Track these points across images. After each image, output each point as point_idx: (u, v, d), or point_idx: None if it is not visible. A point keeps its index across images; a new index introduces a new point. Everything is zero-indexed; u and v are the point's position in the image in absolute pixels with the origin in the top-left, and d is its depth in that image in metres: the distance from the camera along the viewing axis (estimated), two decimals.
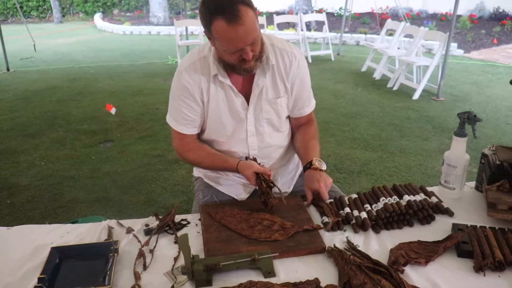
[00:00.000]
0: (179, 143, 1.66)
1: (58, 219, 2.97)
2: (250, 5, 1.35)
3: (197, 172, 1.87)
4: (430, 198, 1.49)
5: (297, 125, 1.75)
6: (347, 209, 1.45)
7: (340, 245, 1.29)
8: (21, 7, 16.17)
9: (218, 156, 1.62)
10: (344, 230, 1.39)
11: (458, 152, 1.54)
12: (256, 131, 1.64)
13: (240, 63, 1.43)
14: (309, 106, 1.72)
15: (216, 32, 1.35)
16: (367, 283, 1.10)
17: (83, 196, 3.32)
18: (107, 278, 1.15)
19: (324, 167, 1.56)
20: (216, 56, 1.51)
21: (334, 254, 1.24)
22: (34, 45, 9.95)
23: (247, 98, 1.58)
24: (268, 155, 1.70)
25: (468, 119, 1.53)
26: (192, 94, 1.56)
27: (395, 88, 6.19)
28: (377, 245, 1.32)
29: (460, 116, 1.54)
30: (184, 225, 1.45)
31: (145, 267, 1.24)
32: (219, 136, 1.65)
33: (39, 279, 1.14)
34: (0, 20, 8.30)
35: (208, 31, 1.39)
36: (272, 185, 1.46)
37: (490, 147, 1.65)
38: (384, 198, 1.46)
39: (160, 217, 1.45)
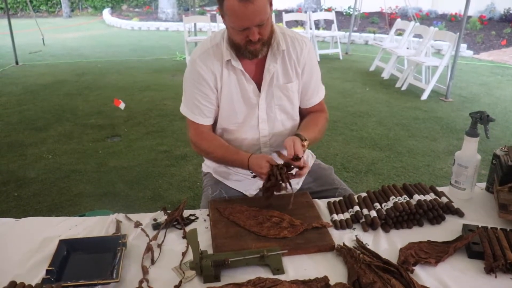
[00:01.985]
0: (194, 132, 1.66)
1: (65, 212, 2.98)
2: None
3: (206, 167, 1.86)
4: (440, 198, 1.47)
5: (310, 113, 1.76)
6: (357, 207, 1.44)
7: (350, 244, 1.28)
8: (31, 1, 16.26)
9: (231, 148, 1.62)
10: (354, 229, 1.38)
11: (470, 152, 1.52)
12: (267, 118, 1.65)
13: (247, 44, 1.47)
14: (317, 96, 1.73)
15: (227, 7, 1.39)
16: (376, 282, 1.09)
17: (89, 190, 3.32)
18: (115, 272, 1.14)
19: (305, 141, 1.54)
20: (228, 41, 1.54)
21: (343, 252, 1.23)
22: (42, 39, 10.01)
23: (259, 85, 1.61)
24: (279, 143, 1.69)
25: (480, 119, 1.51)
26: (206, 81, 1.58)
27: (403, 88, 6.15)
28: (387, 244, 1.31)
29: (472, 116, 1.52)
30: (193, 220, 1.44)
31: (153, 262, 1.24)
32: (230, 123, 1.67)
33: (47, 271, 1.14)
34: (10, 14, 8.30)
35: (221, 6, 1.43)
36: (286, 179, 1.44)
37: (502, 148, 1.63)
38: (394, 197, 1.44)
39: (168, 212, 1.45)
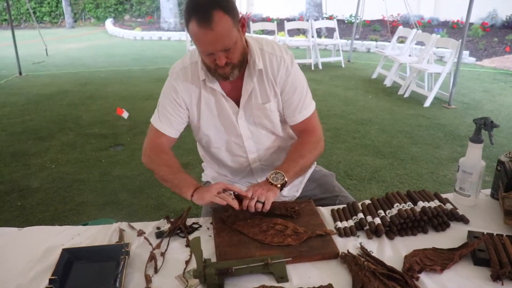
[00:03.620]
0: (151, 142, 1.61)
1: (68, 221, 2.98)
2: (229, 13, 1.34)
3: (205, 176, 1.87)
4: (444, 204, 1.46)
5: (296, 132, 1.69)
6: (361, 215, 1.44)
7: (354, 251, 1.27)
8: (34, 13, 16.37)
9: (179, 172, 1.54)
10: (358, 236, 1.37)
11: (474, 158, 1.51)
12: (252, 134, 1.63)
13: (215, 67, 1.44)
14: (301, 113, 1.61)
15: (190, 31, 1.36)
16: None
17: (93, 199, 3.32)
18: (118, 281, 1.14)
19: (278, 182, 1.47)
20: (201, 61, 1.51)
21: (347, 259, 1.22)
22: (46, 49, 10.07)
23: (238, 102, 1.58)
24: (269, 158, 1.70)
25: (484, 125, 1.50)
26: (180, 97, 1.57)
27: (406, 95, 6.15)
28: (391, 252, 1.30)
29: (476, 122, 1.52)
30: (196, 229, 1.44)
31: (156, 270, 1.23)
32: (217, 143, 1.66)
33: (50, 280, 1.13)
34: (13, 25, 8.37)
35: (187, 30, 1.40)
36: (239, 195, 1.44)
37: (506, 154, 1.62)
38: (398, 204, 1.44)
39: (172, 220, 1.44)
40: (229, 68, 1.43)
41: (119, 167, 3.88)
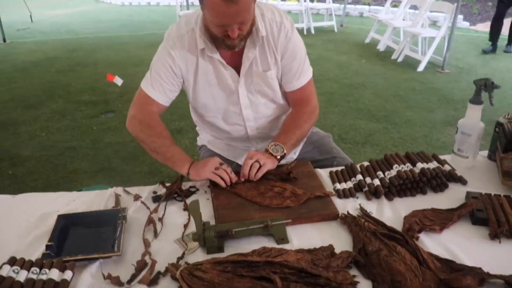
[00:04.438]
0: (144, 109, 1.54)
1: (61, 189, 2.87)
2: None
3: (200, 140, 1.84)
4: (443, 166, 1.46)
5: (292, 101, 1.66)
6: (359, 176, 1.43)
7: (353, 212, 1.27)
8: None
9: (172, 143, 1.49)
10: (357, 197, 1.37)
11: (473, 120, 1.50)
12: (250, 103, 1.60)
13: (224, 38, 1.37)
14: (299, 80, 1.58)
15: (208, 2, 1.27)
16: (382, 249, 1.08)
17: (85, 167, 3.29)
18: (116, 245, 1.12)
19: (278, 154, 1.46)
20: (202, 28, 1.43)
21: (347, 220, 1.22)
22: (30, 16, 9.79)
23: (238, 70, 1.52)
24: (267, 127, 1.68)
25: (485, 86, 1.48)
26: (176, 64, 1.50)
27: (399, 59, 6.10)
28: (391, 212, 1.30)
29: (476, 83, 1.49)
30: (193, 192, 1.42)
31: (156, 234, 1.22)
32: (214, 113, 1.62)
33: (47, 246, 1.12)
34: None
35: None
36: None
37: (505, 116, 1.61)
38: (397, 165, 1.43)
39: (167, 185, 1.43)
40: (238, 40, 1.37)
41: (110, 134, 3.84)
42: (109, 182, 3.00)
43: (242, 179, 1.40)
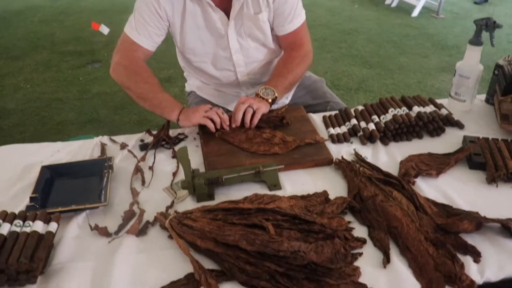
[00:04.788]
0: (129, 55, 1.43)
1: (48, 141, 2.84)
2: None
3: (189, 86, 1.77)
4: (439, 110, 1.41)
5: (284, 46, 1.58)
6: (354, 121, 1.38)
7: (348, 157, 1.23)
8: None
9: (162, 94, 1.39)
10: (351, 142, 1.33)
11: (472, 62, 1.43)
12: (240, 47, 1.52)
13: None
14: (291, 23, 1.50)
15: None
16: (378, 194, 1.05)
17: (73, 118, 3.21)
18: (102, 195, 1.08)
19: (269, 97, 1.40)
20: None
21: (342, 166, 1.18)
22: None
23: (227, 12, 1.43)
24: (258, 72, 1.61)
25: (486, 26, 1.40)
26: (162, 7, 1.40)
27: (393, 5, 5.90)
28: (386, 157, 1.26)
29: (477, 23, 1.41)
30: (182, 139, 1.37)
31: (144, 183, 1.17)
32: (203, 57, 1.54)
33: (31, 198, 1.07)
34: None
35: None
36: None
37: (505, 58, 1.54)
38: (392, 109, 1.37)
39: (154, 132, 1.37)
40: None
41: (98, 84, 3.72)
42: (97, 132, 2.84)
43: (234, 126, 1.34)
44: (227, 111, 1.64)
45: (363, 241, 0.95)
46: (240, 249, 0.88)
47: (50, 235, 0.94)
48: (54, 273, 0.91)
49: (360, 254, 0.92)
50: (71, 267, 0.92)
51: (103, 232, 0.99)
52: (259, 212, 0.96)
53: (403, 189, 1.07)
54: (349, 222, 1.00)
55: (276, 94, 1.41)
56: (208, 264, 0.90)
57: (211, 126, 1.31)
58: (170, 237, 0.96)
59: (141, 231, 0.99)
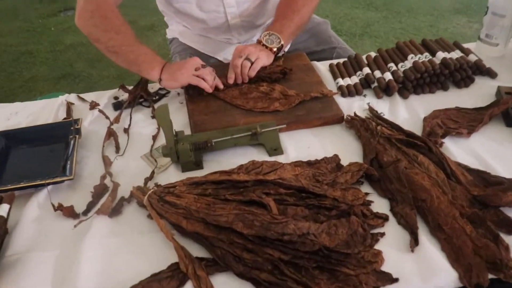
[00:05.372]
0: (95, 2, 1.20)
1: (18, 100, 2.69)
2: None
3: (170, 32, 1.58)
4: (467, 56, 1.25)
5: None
6: (367, 70, 1.23)
7: (361, 114, 1.09)
8: None
9: (139, 46, 1.19)
10: (364, 96, 1.19)
11: None
12: None
13: None
14: None
15: None
16: (400, 159, 0.91)
17: (45, 73, 3.05)
18: (67, 167, 0.94)
19: (273, 45, 1.24)
20: None
21: (355, 124, 1.04)
22: None
23: None
24: (252, 13, 1.43)
25: None
26: None
27: None
28: (406, 113, 1.12)
29: None
30: (163, 95, 1.22)
31: (118, 149, 1.04)
32: None
33: None
34: None
35: None
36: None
37: None
38: (412, 55, 1.22)
39: (130, 88, 1.21)
40: None
41: (72, 35, 3.52)
42: (73, 89, 2.80)
43: (231, 82, 1.19)
44: (216, 61, 1.49)
45: (384, 218, 0.83)
46: (235, 232, 0.75)
47: (1, 220, 0.80)
48: (8, 266, 0.78)
49: (382, 234, 0.80)
50: (30, 257, 0.79)
51: (69, 212, 0.86)
52: (258, 185, 0.83)
53: (430, 153, 0.94)
54: (366, 194, 0.87)
55: (282, 42, 1.24)
56: (196, 251, 0.78)
57: (205, 86, 1.14)
58: (150, 217, 0.83)
59: (115, 211, 0.86)
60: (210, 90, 1.14)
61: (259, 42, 1.24)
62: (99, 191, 0.91)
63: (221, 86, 1.16)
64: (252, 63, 1.18)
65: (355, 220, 0.78)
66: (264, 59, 1.20)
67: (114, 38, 1.17)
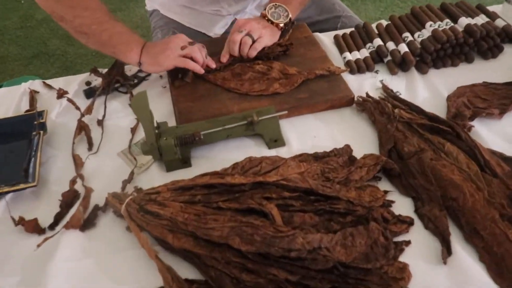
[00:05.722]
0: None
1: None
2: None
3: (150, 3, 1.46)
4: (494, 21, 1.14)
5: None
6: (378, 41, 1.13)
7: (374, 94, 0.99)
8: None
9: (113, 24, 1.05)
10: (376, 72, 1.09)
11: None
12: None
13: None
14: None
15: None
16: (424, 149, 0.82)
17: (15, 53, 2.90)
18: (31, 171, 0.84)
19: (280, 20, 1.13)
20: None
21: (368, 107, 0.94)
22: None
23: None
24: None
25: None
26: None
27: None
28: (426, 92, 1.02)
29: None
30: (143, 79, 1.11)
31: (91, 146, 0.94)
32: None
33: None
34: None
35: None
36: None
37: None
38: (431, 22, 1.11)
39: (103, 71, 1.10)
40: None
41: None
42: (48, 70, 2.68)
43: (224, 60, 1.08)
44: (205, 37, 1.37)
45: (409, 223, 0.74)
46: (231, 249, 0.66)
47: None
48: None
49: (407, 243, 0.71)
50: None
51: (32, 227, 0.76)
52: (257, 189, 0.73)
53: (459, 139, 0.84)
54: (385, 193, 0.78)
55: (290, 15, 1.13)
56: (186, 270, 0.69)
57: (195, 67, 1.03)
58: (130, 229, 0.74)
59: (88, 223, 0.77)
60: (201, 71, 1.03)
61: (263, 16, 1.12)
62: (69, 199, 0.81)
63: (213, 66, 1.06)
64: (253, 41, 1.07)
65: (375, 227, 0.68)
66: (267, 39, 1.09)
67: (82, 16, 1.04)
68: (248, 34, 1.07)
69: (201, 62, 1.03)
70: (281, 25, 1.12)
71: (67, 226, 0.76)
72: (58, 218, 0.78)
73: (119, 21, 1.06)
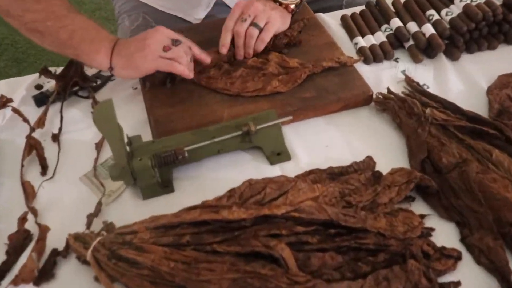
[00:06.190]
0: None
1: None
2: None
3: None
4: None
5: None
6: (396, 21, 1.07)
7: (396, 89, 0.93)
8: None
9: (77, 18, 0.96)
10: (396, 60, 1.03)
11: None
12: None
13: None
14: None
15: None
16: (468, 159, 0.74)
17: None
18: None
19: (291, 1, 1.06)
20: None
21: (391, 106, 0.88)
22: None
23: None
24: None
25: None
26: None
27: None
28: (460, 83, 0.97)
29: None
30: (108, 79, 1.03)
31: (45, 170, 0.86)
32: None
33: None
34: None
35: None
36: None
37: None
38: None
39: (56, 71, 1.02)
40: None
41: None
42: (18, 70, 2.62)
43: (224, 51, 1.00)
44: (182, 22, 1.29)
45: (456, 257, 0.67)
46: None
47: None
48: None
49: (456, 284, 0.64)
50: None
51: None
52: (262, 224, 0.65)
53: (508, 144, 0.77)
54: (422, 218, 0.70)
55: None
56: None
57: (183, 72, 0.94)
58: (98, 279, 0.66)
59: (44, 274, 0.69)
60: (191, 76, 0.95)
61: None
62: (18, 242, 0.73)
63: (208, 61, 0.98)
64: (260, 31, 0.99)
65: (414, 266, 0.62)
66: (278, 23, 1.02)
67: (33, 9, 0.94)
68: (253, 23, 0.99)
69: (186, 63, 0.95)
70: (292, 6, 1.05)
71: (17, 281, 0.67)
72: (4, 269, 0.70)
73: (81, 14, 0.97)
